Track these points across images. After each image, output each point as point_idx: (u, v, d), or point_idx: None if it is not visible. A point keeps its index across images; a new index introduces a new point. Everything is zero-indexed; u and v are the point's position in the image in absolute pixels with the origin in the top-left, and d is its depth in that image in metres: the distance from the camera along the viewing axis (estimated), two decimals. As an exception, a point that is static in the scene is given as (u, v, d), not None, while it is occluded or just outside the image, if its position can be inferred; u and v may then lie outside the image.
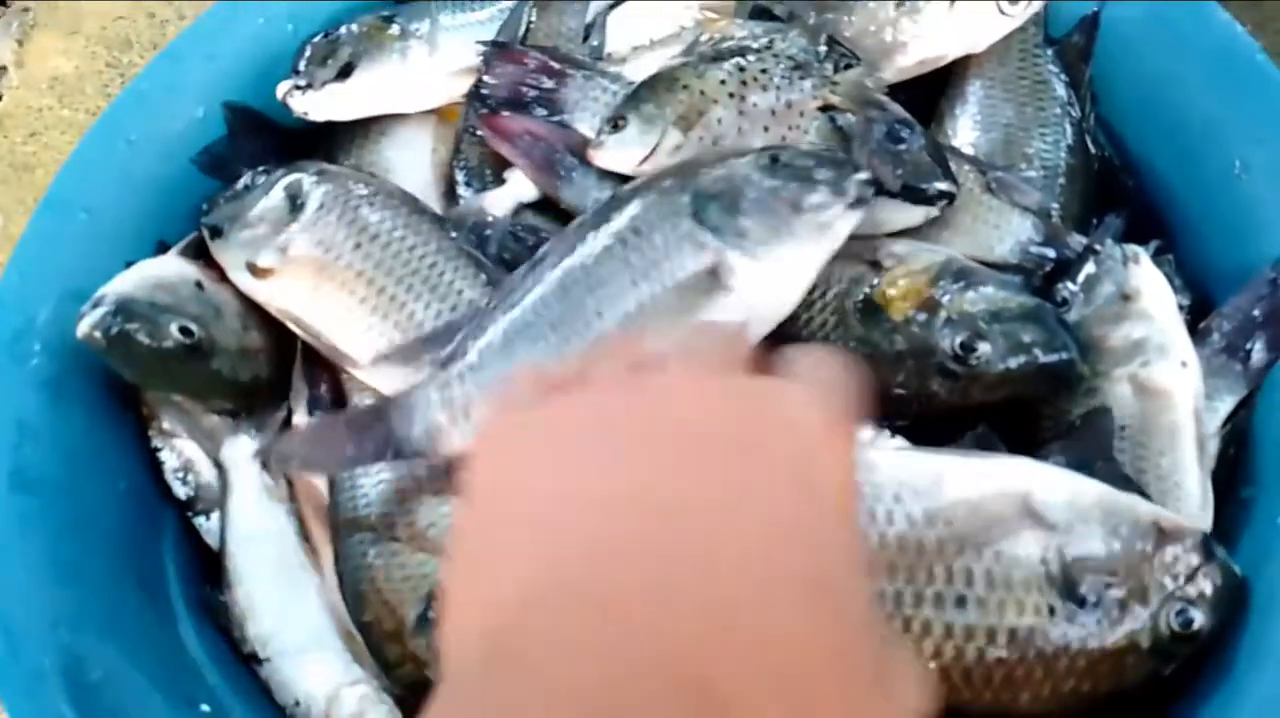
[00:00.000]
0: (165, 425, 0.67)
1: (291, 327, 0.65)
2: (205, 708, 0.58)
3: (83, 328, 0.59)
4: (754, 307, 0.56)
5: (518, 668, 0.20)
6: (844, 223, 0.57)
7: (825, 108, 0.63)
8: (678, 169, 0.60)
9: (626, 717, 0.19)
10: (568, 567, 0.22)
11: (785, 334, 0.60)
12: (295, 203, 0.65)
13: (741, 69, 0.64)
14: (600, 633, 0.20)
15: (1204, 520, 0.59)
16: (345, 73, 0.71)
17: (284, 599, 0.63)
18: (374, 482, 0.62)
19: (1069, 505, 0.51)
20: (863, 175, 0.57)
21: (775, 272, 0.56)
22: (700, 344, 0.31)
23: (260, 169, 0.68)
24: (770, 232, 0.56)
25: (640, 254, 0.57)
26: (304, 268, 0.64)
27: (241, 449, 0.67)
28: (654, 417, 0.25)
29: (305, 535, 0.65)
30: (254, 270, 0.64)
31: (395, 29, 0.72)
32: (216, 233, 0.66)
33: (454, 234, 0.65)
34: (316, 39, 0.73)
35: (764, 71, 0.64)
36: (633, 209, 0.58)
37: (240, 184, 0.68)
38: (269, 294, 0.65)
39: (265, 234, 0.65)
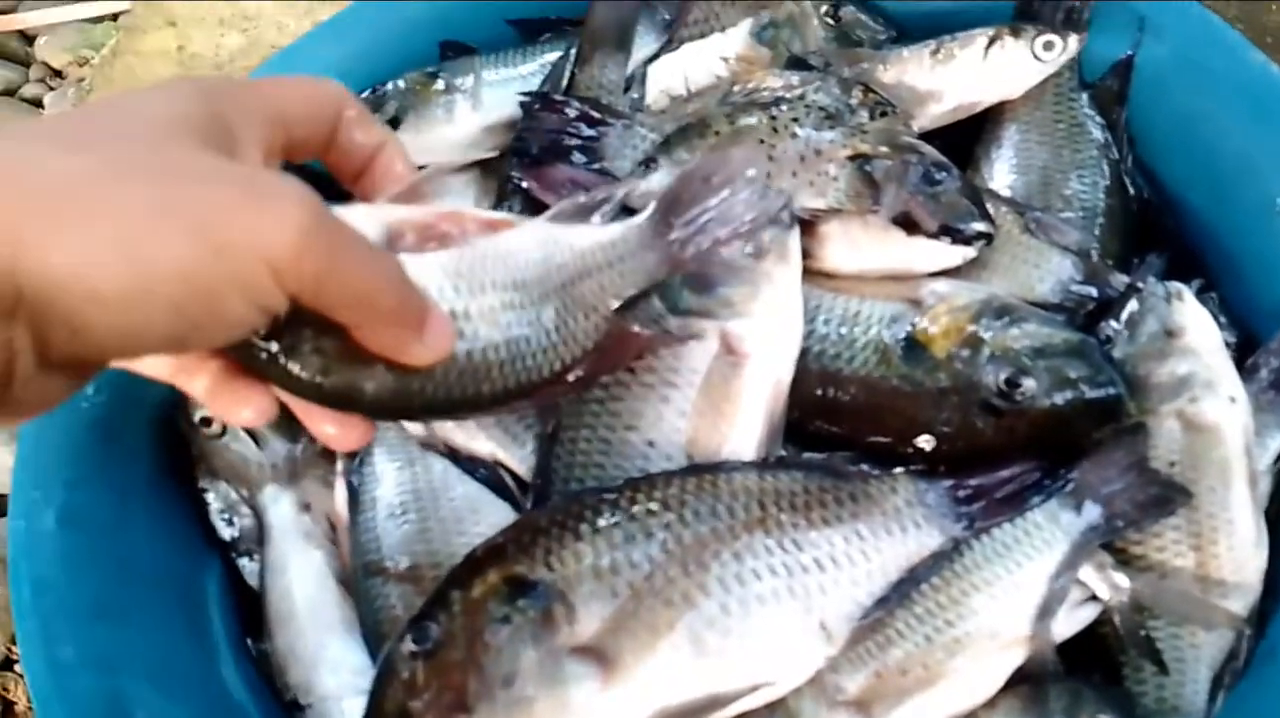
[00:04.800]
0: (210, 468, 0.67)
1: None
2: (248, 750, 0.58)
3: None
4: (775, 354, 0.58)
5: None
6: (794, 241, 0.59)
7: (855, 156, 0.64)
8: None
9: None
10: None
11: (827, 373, 0.60)
12: None
13: (773, 117, 0.65)
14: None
15: (1259, 558, 0.58)
16: (392, 126, 0.73)
17: (322, 645, 0.63)
18: (395, 524, 0.62)
19: None
20: (776, 189, 0.59)
21: (774, 317, 0.59)
22: None
23: None
24: (749, 287, 0.58)
25: (654, 373, 0.58)
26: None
27: (279, 496, 0.67)
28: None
29: (345, 579, 0.65)
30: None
31: (440, 84, 0.75)
32: None
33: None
34: (364, 94, 0.75)
35: (794, 120, 0.65)
36: None
37: None
38: None
39: None
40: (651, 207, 0.51)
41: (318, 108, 0.44)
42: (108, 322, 0.31)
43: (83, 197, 0.31)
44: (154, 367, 0.42)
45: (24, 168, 0.31)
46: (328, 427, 0.44)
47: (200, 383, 0.42)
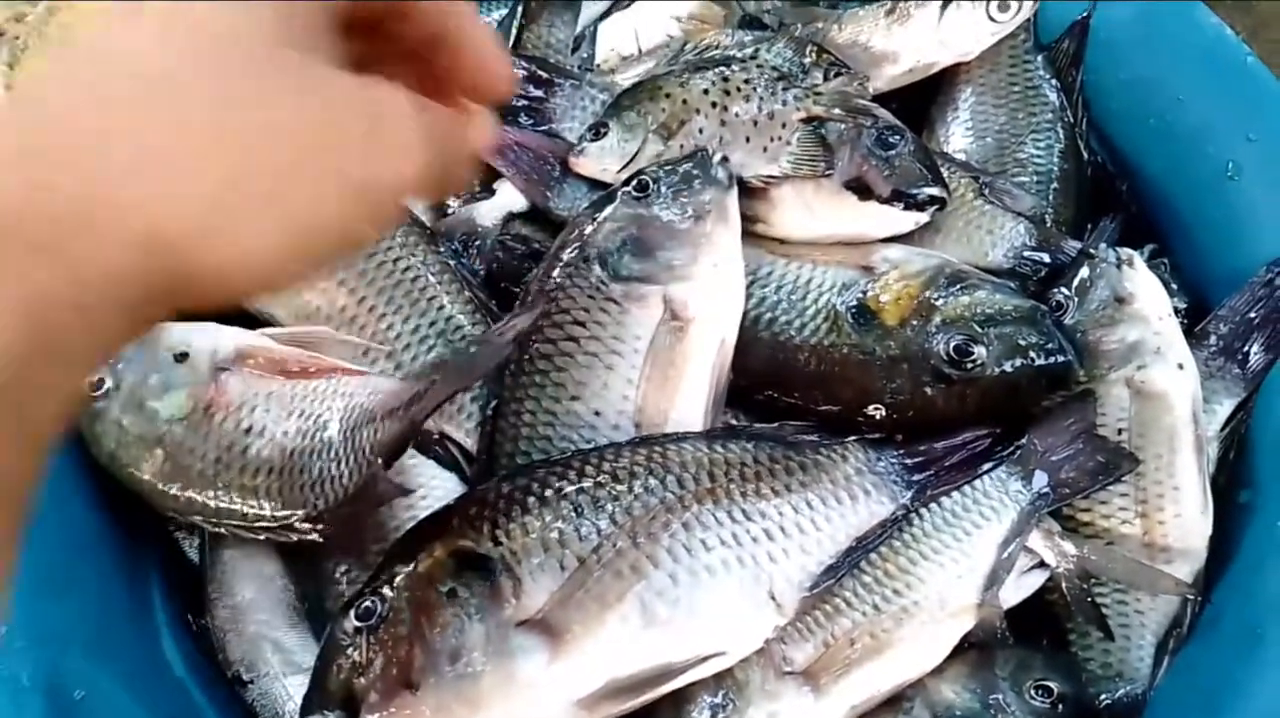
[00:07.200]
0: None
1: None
2: (189, 727, 0.57)
3: None
4: (718, 316, 0.58)
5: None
6: (732, 202, 0.59)
7: (809, 119, 0.63)
8: (561, 241, 0.60)
9: None
10: None
11: (777, 342, 0.59)
12: None
13: (725, 79, 0.64)
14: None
15: (1204, 525, 0.58)
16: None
17: (265, 622, 0.62)
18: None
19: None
20: (718, 155, 0.59)
21: (715, 278, 0.58)
22: None
23: None
24: (689, 249, 0.58)
25: (598, 341, 0.57)
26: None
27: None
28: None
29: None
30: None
31: (383, 42, 0.72)
32: None
33: (441, 249, 0.64)
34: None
35: (747, 82, 0.64)
36: (563, 306, 0.58)
37: None
38: None
39: None
40: None
41: None
42: (249, 285, 0.31)
43: (254, 190, 0.29)
44: None
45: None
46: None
47: None
